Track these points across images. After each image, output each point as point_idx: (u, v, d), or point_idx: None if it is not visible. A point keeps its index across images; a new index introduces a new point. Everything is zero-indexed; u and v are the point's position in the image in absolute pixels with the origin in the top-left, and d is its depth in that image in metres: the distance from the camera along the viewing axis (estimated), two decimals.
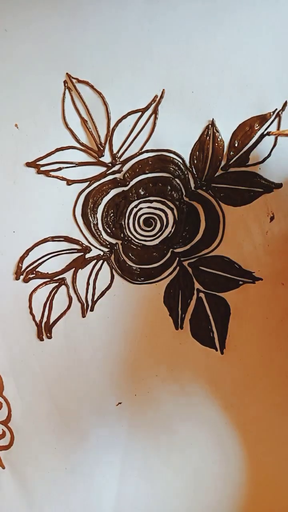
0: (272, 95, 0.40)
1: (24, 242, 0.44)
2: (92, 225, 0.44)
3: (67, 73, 0.41)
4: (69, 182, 0.43)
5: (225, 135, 0.41)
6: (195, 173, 0.42)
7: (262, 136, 0.41)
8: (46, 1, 0.40)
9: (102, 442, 0.47)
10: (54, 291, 0.45)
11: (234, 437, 0.46)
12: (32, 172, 0.43)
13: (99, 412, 0.47)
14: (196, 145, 0.42)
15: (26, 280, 0.45)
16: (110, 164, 0.43)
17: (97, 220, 0.44)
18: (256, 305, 0.44)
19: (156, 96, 0.41)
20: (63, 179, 0.43)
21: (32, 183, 0.43)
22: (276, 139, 0.41)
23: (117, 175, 0.43)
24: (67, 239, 0.44)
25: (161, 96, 0.41)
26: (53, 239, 0.44)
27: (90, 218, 0.44)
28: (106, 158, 0.43)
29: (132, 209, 0.44)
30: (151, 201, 0.43)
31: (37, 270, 0.44)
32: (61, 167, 0.43)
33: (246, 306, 0.44)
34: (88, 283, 0.45)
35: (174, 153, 0.42)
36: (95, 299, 0.45)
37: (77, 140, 0.42)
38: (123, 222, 0.44)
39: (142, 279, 0.44)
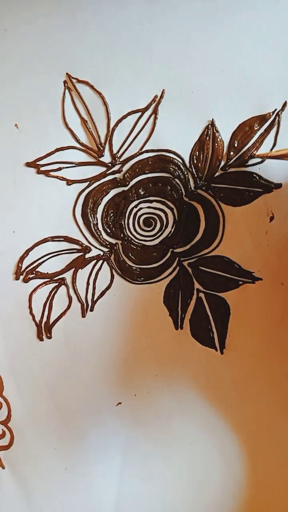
0: (272, 95, 0.40)
1: (24, 242, 0.44)
2: (92, 225, 0.44)
3: (67, 73, 0.41)
4: (69, 182, 0.43)
5: (225, 135, 0.41)
6: (195, 173, 0.42)
7: (261, 136, 0.41)
8: (46, 1, 0.40)
9: (102, 442, 0.47)
10: (54, 291, 0.45)
11: (234, 437, 0.46)
12: (32, 172, 0.43)
13: (99, 412, 0.47)
14: (196, 145, 0.42)
15: (26, 280, 0.45)
16: (110, 164, 0.43)
17: (97, 220, 0.44)
18: (256, 305, 0.44)
19: (156, 96, 0.41)
20: (63, 179, 0.43)
21: (32, 183, 0.43)
22: (276, 139, 0.41)
23: (117, 175, 0.43)
24: (67, 239, 0.44)
25: (161, 96, 0.41)
26: (53, 239, 0.44)
27: (90, 218, 0.44)
28: (106, 158, 0.43)
29: (132, 209, 0.44)
30: (151, 201, 0.43)
31: (37, 270, 0.44)
32: (61, 167, 0.43)
33: (246, 306, 0.44)
34: (88, 283, 0.45)
35: (174, 153, 0.42)
36: (95, 299, 0.45)
37: (77, 140, 0.43)
38: (123, 222, 0.44)
39: (142, 279, 0.44)
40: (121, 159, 0.43)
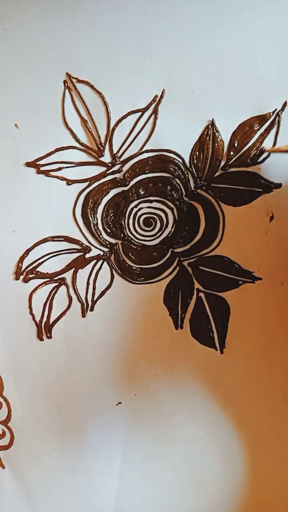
0: (272, 95, 0.40)
1: (24, 242, 0.44)
2: (92, 225, 0.44)
3: (67, 73, 0.41)
4: (69, 182, 0.43)
5: (225, 135, 0.41)
6: (195, 173, 0.42)
7: (261, 136, 0.41)
8: (46, 1, 0.40)
9: (102, 442, 0.47)
10: (54, 291, 0.45)
11: (234, 437, 0.46)
12: (32, 172, 0.43)
13: (99, 412, 0.47)
14: (196, 145, 0.42)
15: (26, 280, 0.45)
16: (110, 164, 0.43)
17: (97, 220, 0.44)
18: (256, 304, 0.44)
19: (156, 96, 0.41)
20: (63, 179, 0.43)
21: (32, 183, 0.43)
22: (276, 139, 0.41)
23: (117, 175, 0.43)
24: (67, 239, 0.44)
25: (161, 96, 0.41)
26: (53, 239, 0.44)
27: (90, 218, 0.44)
28: (106, 158, 0.43)
29: (132, 209, 0.44)
30: (151, 201, 0.43)
31: (37, 270, 0.44)
32: (61, 167, 0.43)
33: (246, 306, 0.44)
34: (88, 283, 0.45)
35: (174, 153, 0.42)
36: (95, 299, 0.45)
37: (77, 140, 0.43)
38: (123, 222, 0.44)
39: (142, 279, 0.44)
40: (121, 159, 0.43)
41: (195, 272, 0.44)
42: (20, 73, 0.41)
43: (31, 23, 0.41)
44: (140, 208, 0.44)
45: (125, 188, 0.43)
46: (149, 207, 0.44)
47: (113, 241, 0.44)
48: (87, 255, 0.44)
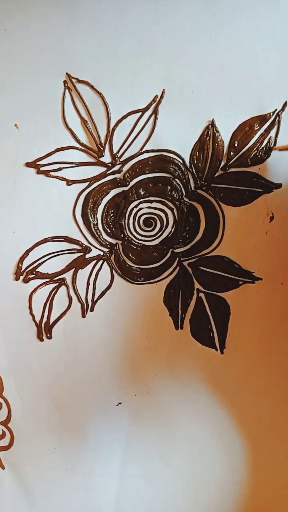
0: (272, 95, 0.40)
1: (24, 242, 0.44)
2: (92, 225, 0.44)
3: (67, 73, 0.41)
4: (69, 182, 0.43)
5: (225, 135, 0.41)
6: (195, 173, 0.42)
7: (262, 136, 0.41)
8: (46, 1, 0.40)
9: (102, 442, 0.47)
10: (54, 291, 0.45)
11: (235, 437, 0.46)
12: (32, 172, 0.43)
13: (99, 412, 0.47)
14: (196, 145, 0.42)
15: (26, 280, 0.45)
16: (110, 164, 0.43)
17: (97, 220, 0.44)
18: (256, 305, 0.44)
19: (156, 96, 0.41)
20: (63, 179, 0.43)
21: (32, 183, 0.43)
22: (275, 139, 0.41)
23: (117, 175, 0.43)
24: (67, 239, 0.44)
25: (161, 96, 0.41)
26: (53, 239, 0.44)
27: (90, 218, 0.44)
28: (106, 158, 0.43)
29: (132, 209, 0.44)
30: (151, 201, 0.43)
31: (37, 270, 0.44)
32: (61, 167, 0.43)
33: (246, 306, 0.44)
34: (88, 283, 0.45)
35: (174, 153, 0.42)
36: (95, 299, 0.45)
37: (77, 140, 0.42)
38: (123, 222, 0.44)
39: (142, 279, 0.44)
40: (121, 159, 0.43)
41: (195, 272, 0.44)
42: (20, 73, 0.41)
43: (31, 23, 0.40)
44: (140, 208, 0.44)
45: (125, 188, 0.43)
46: (149, 207, 0.44)
47: (113, 241, 0.44)
48: (87, 255, 0.44)
